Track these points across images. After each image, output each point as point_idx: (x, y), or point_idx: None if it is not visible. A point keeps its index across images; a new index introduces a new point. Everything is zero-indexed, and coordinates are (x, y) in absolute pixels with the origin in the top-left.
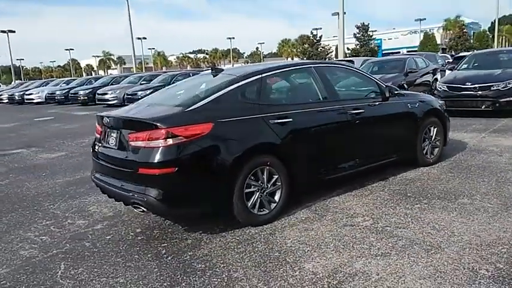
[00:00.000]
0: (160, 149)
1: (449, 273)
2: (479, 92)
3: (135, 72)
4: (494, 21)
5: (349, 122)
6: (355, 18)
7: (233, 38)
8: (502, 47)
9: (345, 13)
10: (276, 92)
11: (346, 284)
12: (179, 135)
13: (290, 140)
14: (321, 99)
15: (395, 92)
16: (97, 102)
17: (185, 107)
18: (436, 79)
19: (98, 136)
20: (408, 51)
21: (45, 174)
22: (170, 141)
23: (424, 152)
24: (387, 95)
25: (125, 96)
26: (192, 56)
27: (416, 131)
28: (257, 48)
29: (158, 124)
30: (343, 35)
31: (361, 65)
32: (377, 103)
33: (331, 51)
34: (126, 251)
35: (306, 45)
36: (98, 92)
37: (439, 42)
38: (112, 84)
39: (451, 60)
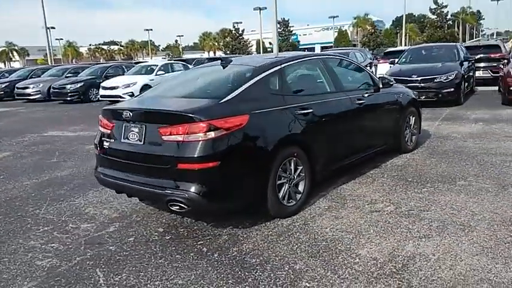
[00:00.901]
0: (202, 142)
1: (495, 248)
2: (423, 84)
3: (39, 64)
4: (396, 19)
5: (354, 111)
6: (279, 13)
7: (151, 29)
8: (406, 43)
9: (265, 8)
10: (294, 83)
11: (411, 266)
12: (220, 128)
13: (311, 130)
14: (331, 89)
15: (391, 83)
16: (16, 97)
17: (218, 98)
18: (372, 72)
19: (107, 131)
20: (322, 47)
21: (3, 177)
22: (212, 134)
23: (406, 139)
24: (380, 85)
25: (51, 90)
26: (105, 47)
27: (400, 120)
28: (176, 41)
29: (198, 117)
30: (276, 29)
31: None
32: (372, 93)
33: (251, 45)
34: (162, 252)
35: (229, 39)
36: (18, 85)
37: (351, 38)
38: (32, 77)
39: (380, 56)
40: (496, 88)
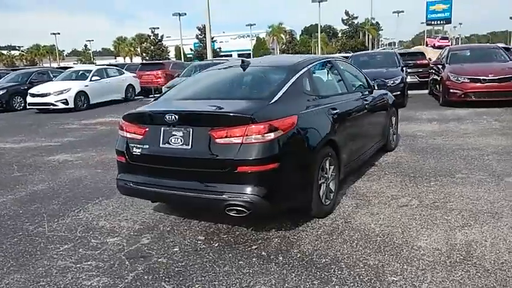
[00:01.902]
0: (263, 144)
1: None
2: None
3: None
4: (305, 29)
5: (363, 109)
6: (196, 20)
7: (58, 33)
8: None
9: (185, 14)
10: (319, 83)
11: (474, 252)
12: (278, 129)
13: (338, 129)
14: (344, 90)
15: (384, 85)
16: None
17: (265, 99)
18: None
19: (137, 137)
20: (239, 55)
21: None
22: (271, 135)
23: (390, 138)
24: (375, 87)
25: None
26: (5, 52)
27: (387, 119)
28: (85, 46)
29: (257, 117)
30: (210, 35)
31: None
32: (368, 94)
33: (169, 51)
34: (221, 259)
35: (148, 44)
36: None
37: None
38: None
39: None
40: (425, 91)
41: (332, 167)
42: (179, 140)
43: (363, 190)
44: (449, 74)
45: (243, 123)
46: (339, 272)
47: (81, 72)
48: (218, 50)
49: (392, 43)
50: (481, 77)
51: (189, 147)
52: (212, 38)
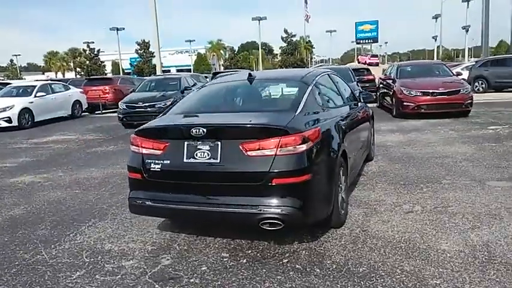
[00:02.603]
0: (297, 155)
1: None
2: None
3: None
4: (242, 46)
5: (358, 120)
6: (128, 35)
7: None
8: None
9: (123, 29)
10: (327, 96)
11: (495, 251)
12: (309, 140)
13: (346, 140)
14: (342, 102)
15: (370, 97)
16: None
17: (290, 111)
18: None
19: (155, 152)
20: (178, 70)
21: None
22: (304, 146)
23: (371, 148)
24: (361, 99)
25: None
26: None
27: (370, 130)
28: (11, 60)
29: (291, 129)
30: (159, 49)
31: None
32: (356, 106)
33: (105, 66)
34: (256, 275)
35: (83, 59)
36: None
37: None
38: None
39: None
40: (374, 105)
41: (344, 177)
42: (206, 154)
43: (363, 199)
44: (402, 88)
45: (276, 135)
46: (382, 280)
47: (22, 88)
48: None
49: (324, 60)
50: (432, 91)
51: (218, 161)
52: (152, 53)
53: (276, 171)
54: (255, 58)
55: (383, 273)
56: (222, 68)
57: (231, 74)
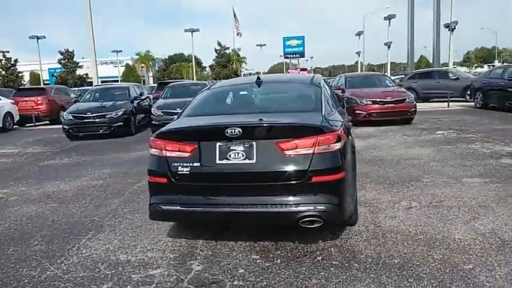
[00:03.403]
0: (333, 153)
1: None
2: (97, 120)
3: None
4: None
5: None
6: (56, 45)
7: None
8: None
9: (44, 37)
10: (331, 98)
11: (504, 237)
12: (342, 139)
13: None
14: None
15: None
16: None
17: (317, 111)
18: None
19: (183, 155)
20: (103, 81)
21: None
22: (338, 145)
23: None
24: (345, 106)
25: None
26: None
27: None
28: None
29: (324, 128)
30: (95, 60)
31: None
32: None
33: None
34: (300, 273)
35: None
36: None
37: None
38: None
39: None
40: None
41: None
42: (240, 154)
43: (360, 198)
44: (353, 98)
45: (314, 133)
46: (421, 269)
47: None
48: (85, 76)
49: (252, 73)
50: (380, 100)
51: (254, 161)
52: (77, 63)
53: (314, 169)
54: (186, 70)
55: (418, 263)
56: (151, 79)
57: (178, 83)
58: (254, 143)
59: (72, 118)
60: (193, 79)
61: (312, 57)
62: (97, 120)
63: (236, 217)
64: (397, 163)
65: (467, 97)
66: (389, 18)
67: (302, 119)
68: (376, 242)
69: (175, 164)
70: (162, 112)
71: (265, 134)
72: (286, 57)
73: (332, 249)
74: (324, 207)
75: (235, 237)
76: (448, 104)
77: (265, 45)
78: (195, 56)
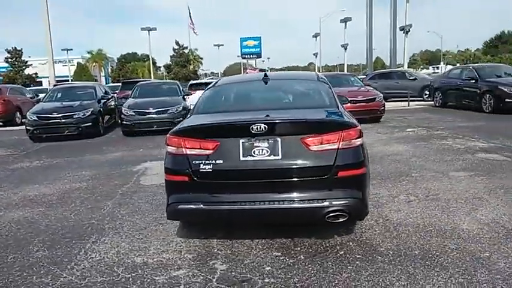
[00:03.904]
0: (356, 148)
1: None
2: (64, 120)
3: None
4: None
5: None
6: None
7: None
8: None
9: None
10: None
11: (509, 224)
12: (362, 134)
13: None
14: None
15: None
16: None
17: (333, 107)
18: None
19: (204, 152)
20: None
21: None
22: (360, 140)
23: None
24: None
25: None
26: None
27: None
28: None
29: (347, 124)
30: (52, 59)
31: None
32: None
33: None
34: (328, 268)
35: None
36: None
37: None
38: None
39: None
40: None
41: None
42: (265, 151)
43: None
44: None
45: (338, 129)
46: (442, 259)
47: None
48: (34, 75)
49: (208, 74)
50: (352, 98)
51: (279, 157)
52: (26, 62)
53: (340, 164)
54: (142, 70)
55: (437, 253)
56: (103, 79)
57: (146, 83)
58: (279, 139)
59: (36, 119)
60: (150, 79)
61: (268, 58)
62: (63, 120)
63: (261, 214)
64: (380, 159)
65: (425, 96)
66: (345, 20)
67: (324, 115)
68: (390, 235)
69: (197, 162)
70: (134, 112)
71: (290, 130)
72: (243, 58)
73: (351, 243)
74: (349, 202)
75: (249, 235)
76: (409, 103)
77: (222, 45)
78: (148, 56)
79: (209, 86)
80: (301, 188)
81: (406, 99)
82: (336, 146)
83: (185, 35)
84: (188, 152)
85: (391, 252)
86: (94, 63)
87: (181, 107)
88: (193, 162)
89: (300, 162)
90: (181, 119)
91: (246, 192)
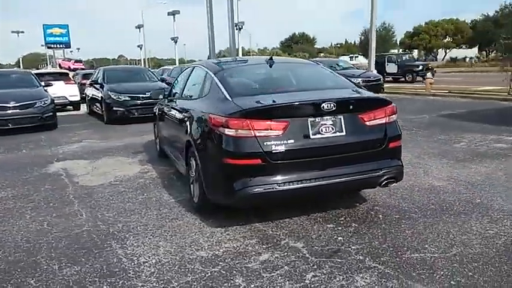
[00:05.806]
0: (394, 122)
1: None
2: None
3: None
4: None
5: None
6: None
7: None
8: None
9: None
10: None
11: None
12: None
13: None
14: None
15: None
16: None
17: (357, 87)
18: None
19: (274, 133)
20: None
21: None
22: (395, 115)
23: None
24: None
25: None
26: None
27: None
28: None
29: (389, 101)
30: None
31: None
32: None
33: None
34: (377, 235)
35: None
36: None
37: None
38: None
39: None
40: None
41: None
42: (330, 128)
43: None
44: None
45: (383, 105)
46: (459, 237)
47: None
48: None
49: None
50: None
51: (344, 133)
52: None
53: (389, 136)
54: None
55: (454, 231)
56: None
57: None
58: (341, 117)
59: None
60: None
61: (78, 49)
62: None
63: (330, 188)
64: None
65: None
66: (173, 13)
67: (365, 94)
68: (401, 218)
69: (269, 143)
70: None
71: (351, 107)
72: (48, 47)
73: (380, 209)
74: (397, 169)
75: (285, 214)
76: None
77: (23, 32)
78: None
79: (219, 70)
80: (361, 159)
81: None
82: (384, 121)
83: None
84: (257, 133)
85: (433, 207)
86: None
87: (49, 100)
88: (265, 143)
89: (362, 136)
90: (51, 114)
91: (315, 169)
